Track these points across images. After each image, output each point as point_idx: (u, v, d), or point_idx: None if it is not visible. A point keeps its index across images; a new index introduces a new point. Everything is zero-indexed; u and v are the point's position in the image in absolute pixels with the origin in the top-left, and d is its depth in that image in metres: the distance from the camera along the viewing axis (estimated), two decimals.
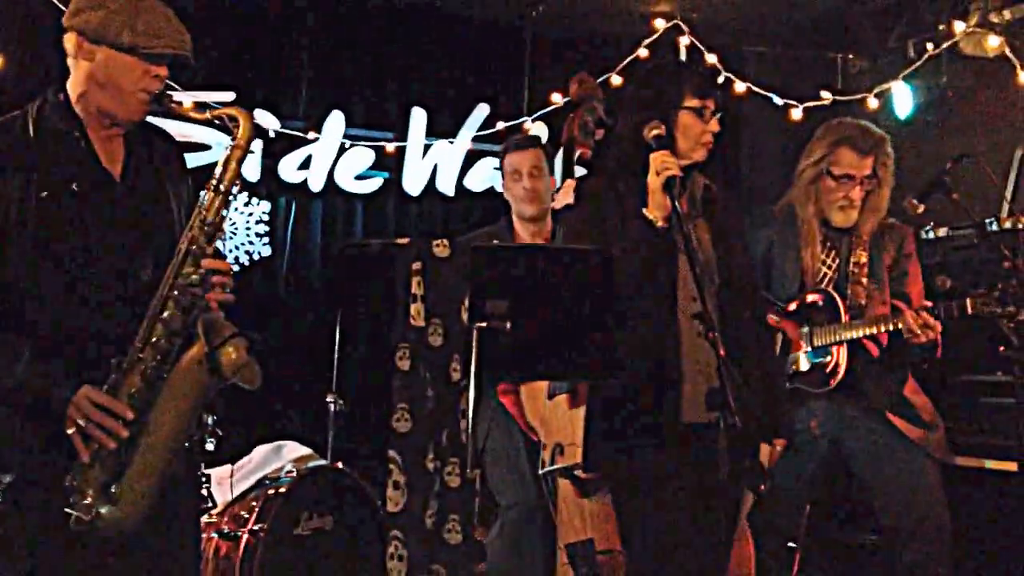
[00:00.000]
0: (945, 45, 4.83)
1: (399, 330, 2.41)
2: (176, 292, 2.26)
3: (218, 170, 2.33)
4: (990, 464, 3.53)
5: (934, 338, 3.25)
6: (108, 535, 2.19)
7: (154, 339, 2.24)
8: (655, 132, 2.81)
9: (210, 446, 3.37)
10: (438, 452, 2.40)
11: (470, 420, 2.47)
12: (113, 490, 2.18)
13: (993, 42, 4.57)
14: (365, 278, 2.53)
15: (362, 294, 2.55)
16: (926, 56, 4.92)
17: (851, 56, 5.84)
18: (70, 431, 2.15)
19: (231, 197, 2.33)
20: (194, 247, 2.28)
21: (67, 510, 2.16)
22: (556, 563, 3.71)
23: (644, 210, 2.77)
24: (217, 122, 2.42)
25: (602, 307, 2.60)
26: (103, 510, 2.17)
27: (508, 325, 2.53)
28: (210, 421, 3.18)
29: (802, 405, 3.42)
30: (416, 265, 2.38)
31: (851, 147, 3.41)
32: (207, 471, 3.55)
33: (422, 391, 2.40)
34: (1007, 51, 4.54)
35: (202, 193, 2.33)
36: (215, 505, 3.71)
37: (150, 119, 2.41)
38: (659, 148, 2.79)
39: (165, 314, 2.25)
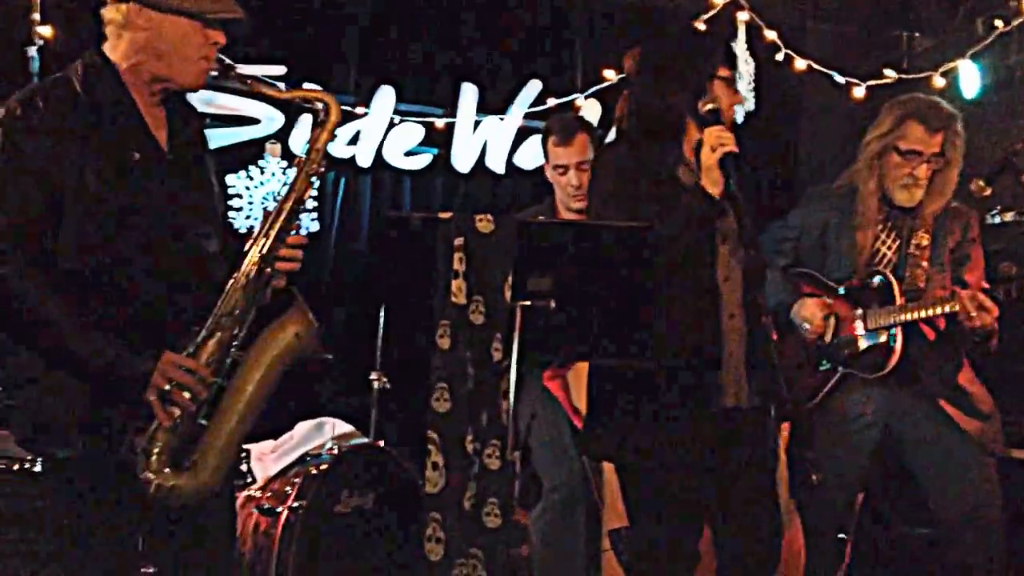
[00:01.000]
0: (1016, 22, 4.65)
1: (440, 307, 2.33)
2: (259, 265, 2.29)
3: (307, 150, 2.41)
4: None
5: (991, 323, 3.11)
6: (182, 503, 2.21)
7: (234, 309, 2.26)
8: (710, 106, 2.74)
9: None
10: (478, 433, 2.33)
11: (511, 401, 2.42)
12: (191, 460, 2.21)
13: None
14: (406, 253, 2.46)
15: (403, 269, 2.48)
16: (995, 33, 4.75)
17: (916, 34, 5.65)
18: (151, 397, 2.16)
19: (316, 177, 2.40)
20: (283, 223, 2.32)
21: (146, 474, 2.17)
22: (599, 547, 3.68)
23: (702, 184, 2.67)
24: (305, 104, 2.64)
25: (647, 286, 2.53)
26: (179, 480, 2.18)
27: (552, 303, 2.47)
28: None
29: (855, 390, 3.32)
30: (458, 240, 2.31)
31: (920, 122, 3.27)
32: (246, 446, 3.55)
33: (462, 370, 2.33)
34: None
35: (297, 173, 2.39)
36: (254, 480, 3.72)
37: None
38: (714, 123, 2.71)
39: (246, 285, 2.27)
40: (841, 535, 3.49)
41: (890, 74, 5.01)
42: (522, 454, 3.55)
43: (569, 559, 3.55)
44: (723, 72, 2.76)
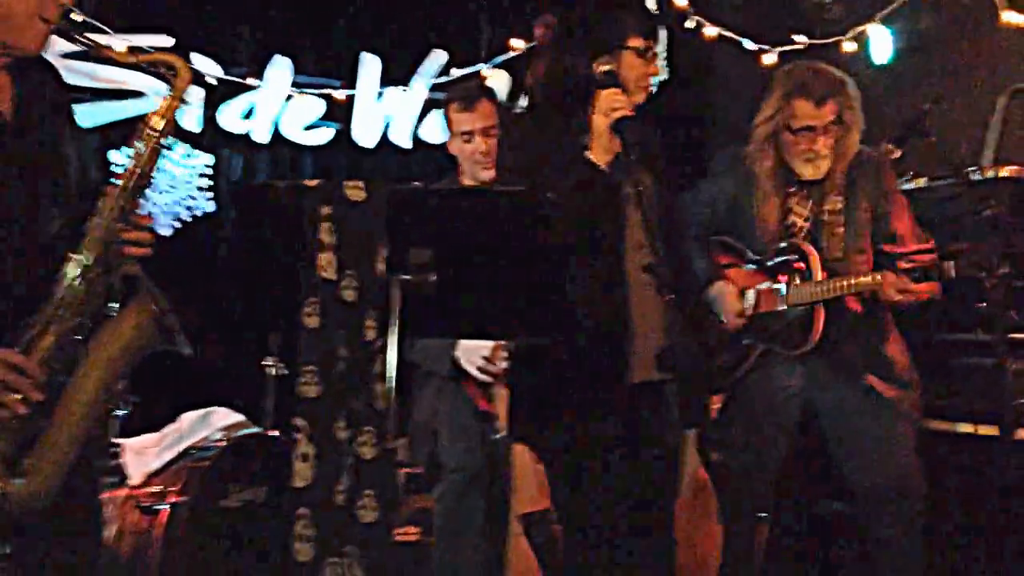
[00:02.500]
0: None
1: (306, 283, 2.13)
2: (99, 248, 2.08)
3: (153, 120, 2.17)
4: (967, 428, 3.30)
5: (914, 298, 2.99)
6: (18, 511, 2.01)
7: (72, 298, 2.06)
8: (605, 68, 2.63)
9: (122, 412, 3.11)
10: (351, 420, 2.13)
11: (391, 384, 2.24)
12: (26, 464, 2.00)
13: None
14: (269, 224, 2.25)
15: (265, 243, 2.28)
16: None
17: (827, 0, 5.55)
18: None
19: (164, 151, 2.17)
20: (123, 201, 2.10)
21: None
22: (506, 532, 3.54)
23: (587, 152, 2.55)
24: (151, 68, 2.27)
25: (540, 256, 2.35)
26: (12, 486, 1.99)
27: (433, 278, 2.28)
28: (120, 386, 2.90)
29: (777, 364, 3.20)
30: (326, 209, 2.11)
31: (806, 97, 3.11)
32: (120, 440, 3.33)
33: (333, 351, 2.13)
34: None
35: (137, 143, 2.15)
36: (124, 478, 3.49)
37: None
38: (609, 86, 2.58)
39: (84, 272, 2.07)
40: (760, 515, 3.37)
41: (800, 39, 4.90)
42: (410, 440, 3.40)
43: (468, 541, 3.39)
44: (633, 42, 2.66)
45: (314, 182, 2.20)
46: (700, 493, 3.33)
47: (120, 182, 2.10)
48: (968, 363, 3.47)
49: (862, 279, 3.05)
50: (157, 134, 2.14)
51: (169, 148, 2.18)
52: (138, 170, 2.12)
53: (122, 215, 2.09)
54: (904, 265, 3.01)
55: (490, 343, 3.23)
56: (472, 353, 3.26)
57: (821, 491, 3.64)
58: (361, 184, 2.17)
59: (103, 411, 2.12)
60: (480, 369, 3.25)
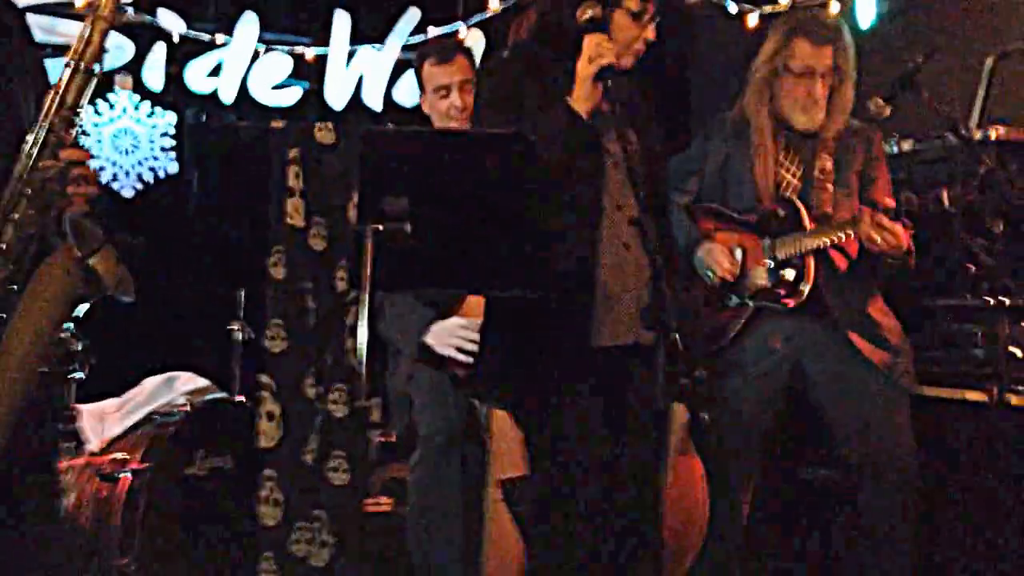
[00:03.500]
0: None
1: (272, 231, 1.99)
2: (29, 188, 1.96)
3: (77, 44, 2.01)
4: (959, 394, 3.21)
5: (895, 243, 2.93)
6: None
7: (3, 244, 1.95)
8: (590, 13, 2.51)
9: (79, 375, 2.97)
10: (320, 376, 2.00)
11: (362, 339, 2.12)
12: None
13: None
14: (232, 169, 2.11)
15: (228, 187, 2.14)
16: None
17: None
18: None
19: (93, 76, 2.02)
20: (51, 136, 1.97)
21: None
22: (485, 497, 3.44)
23: (568, 99, 2.44)
24: None
25: (521, 205, 2.23)
26: None
27: (408, 226, 2.15)
28: (79, 347, 2.77)
29: (765, 325, 3.14)
30: (293, 152, 1.96)
31: (806, 37, 3.09)
32: (79, 406, 3.20)
33: (301, 304, 2.01)
34: None
35: (63, 71, 2.01)
36: (81, 444, 3.36)
37: None
38: (594, 31, 2.47)
39: (16, 214, 1.96)
40: (747, 477, 3.30)
41: (784, 1, 4.79)
42: (384, 403, 3.29)
43: (445, 509, 3.29)
44: (631, 3, 2.57)
45: (280, 123, 2.06)
46: (686, 457, 3.25)
47: (44, 113, 1.96)
48: (960, 328, 3.39)
49: (842, 227, 3.01)
50: (78, 58, 1.99)
51: (96, 75, 2.01)
52: (67, 99, 1.97)
53: (50, 150, 1.95)
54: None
55: (462, 319, 3.13)
56: (445, 336, 3.14)
57: (810, 457, 3.56)
58: (331, 126, 2.03)
59: (39, 370, 1.98)
60: (458, 350, 3.14)
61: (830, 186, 3.12)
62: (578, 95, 2.47)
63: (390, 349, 3.48)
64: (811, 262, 3.06)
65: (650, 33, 2.62)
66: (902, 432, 3.04)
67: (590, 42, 2.48)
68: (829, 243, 3.04)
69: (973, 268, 3.38)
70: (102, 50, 2.03)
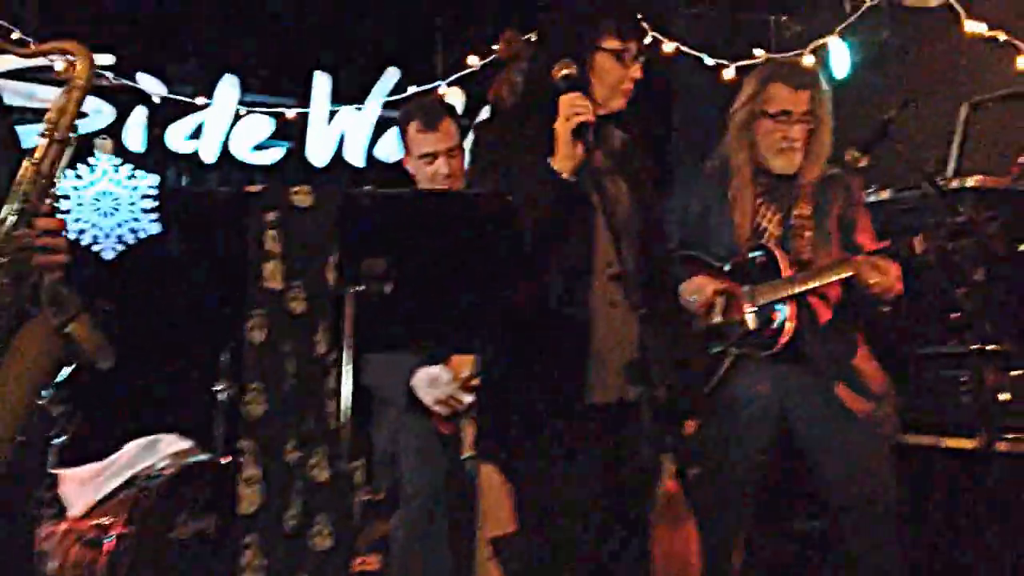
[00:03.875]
0: None
1: (251, 295, 1.98)
2: (5, 257, 1.97)
3: (52, 115, 2.06)
4: (946, 442, 3.22)
5: (890, 284, 2.94)
6: None
7: None
8: (565, 71, 2.50)
9: (61, 440, 2.94)
10: (301, 440, 1.98)
11: (345, 401, 2.10)
12: None
13: None
14: (211, 234, 2.12)
15: (208, 254, 2.14)
16: (863, 8, 4.61)
17: (784, 17, 5.53)
18: None
19: (68, 145, 2.06)
20: (26, 204, 1.99)
21: None
22: (475, 555, 3.40)
23: (549, 160, 2.43)
24: (49, 60, 2.16)
25: (502, 265, 2.22)
26: None
27: (388, 287, 2.15)
28: (60, 412, 2.74)
29: (749, 372, 3.15)
30: (271, 216, 1.96)
31: (783, 82, 3.15)
32: (58, 471, 3.16)
33: (280, 367, 1.98)
34: None
35: (39, 140, 2.05)
36: (63, 509, 3.31)
37: None
38: (569, 90, 2.46)
39: None
40: (738, 530, 3.28)
41: (759, 54, 4.85)
42: (367, 464, 3.26)
43: (432, 567, 3.26)
44: (608, 43, 2.54)
45: (257, 187, 2.06)
46: (676, 510, 3.22)
47: (20, 184, 1.98)
48: (945, 375, 3.40)
49: (834, 269, 3.03)
50: (53, 127, 2.02)
51: (72, 144, 2.05)
52: (42, 168, 1.99)
53: (23, 219, 1.96)
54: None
55: (447, 373, 3.11)
56: (428, 384, 3.14)
57: (799, 508, 3.54)
58: (308, 189, 2.02)
59: (15, 437, 1.96)
60: (439, 402, 3.13)
61: (808, 233, 3.14)
62: (559, 156, 2.44)
63: (375, 407, 3.46)
64: (792, 308, 3.06)
65: (637, 72, 2.58)
66: (885, 480, 3.04)
67: (564, 102, 2.46)
68: (814, 287, 3.04)
69: (956, 316, 3.41)
70: (77, 117, 2.07)
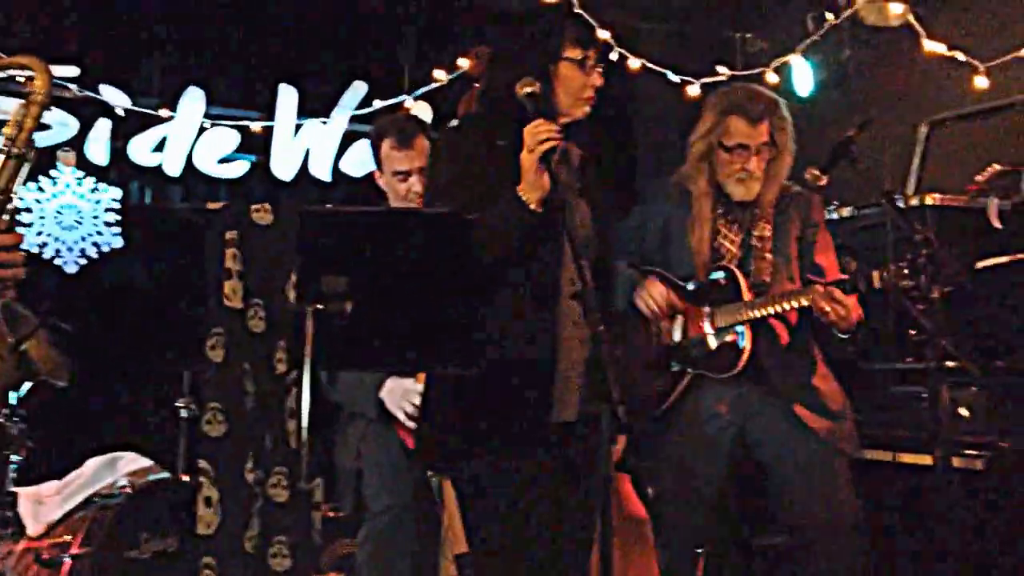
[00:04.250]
0: (845, 15, 4.56)
1: (210, 313, 1.97)
2: None
3: (9, 129, 2.00)
4: (904, 458, 3.24)
5: (846, 315, 2.97)
6: None
7: None
8: (528, 89, 2.47)
9: (17, 458, 2.90)
10: (260, 460, 1.97)
11: (304, 421, 2.09)
12: None
13: (896, 9, 4.31)
14: (171, 251, 2.10)
15: (168, 271, 2.12)
16: (825, 27, 4.65)
17: (748, 35, 5.58)
18: None
19: (26, 160, 2.01)
20: None
21: None
22: (440, 572, 3.39)
23: (518, 190, 2.43)
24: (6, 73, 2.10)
25: (465, 284, 2.22)
26: None
27: (348, 306, 2.14)
28: (16, 430, 2.71)
29: (708, 392, 3.15)
30: (231, 234, 1.95)
31: (741, 115, 3.13)
32: (18, 489, 3.12)
33: (240, 387, 1.97)
34: (910, 18, 4.28)
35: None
36: (21, 530, 3.27)
37: None
38: (533, 109, 2.45)
39: None
40: (697, 549, 3.28)
41: (723, 71, 4.88)
42: (326, 482, 3.24)
43: None
44: (570, 52, 2.53)
45: (217, 205, 2.05)
46: (635, 529, 3.23)
47: None
48: (903, 392, 3.43)
49: (792, 296, 3.04)
50: (10, 143, 1.99)
51: (29, 160, 2.01)
52: None
53: None
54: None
55: (417, 385, 3.10)
56: (398, 395, 3.12)
57: (761, 524, 3.56)
58: (268, 207, 2.01)
59: None
60: (409, 415, 3.12)
61: (768, 255, 3.15)
62: (526, 185, 2.41)
63: (339, 423, 3.44)
64: (748, 332, 3.08)
65: (598, 79, 2.58)
66: (845, 496, 3.05)
67: (530, 132, 2.41)
68: (772, 313, 3.06)
69: (914, 333, 3.45)
70: (36, 131, 2.02)
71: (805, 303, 3.01)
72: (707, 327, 3.15)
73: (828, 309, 2.96)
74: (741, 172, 3.14)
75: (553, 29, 2.57)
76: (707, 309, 3.16)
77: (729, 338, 3.11)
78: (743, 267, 3.15)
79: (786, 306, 3.03)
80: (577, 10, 4.80)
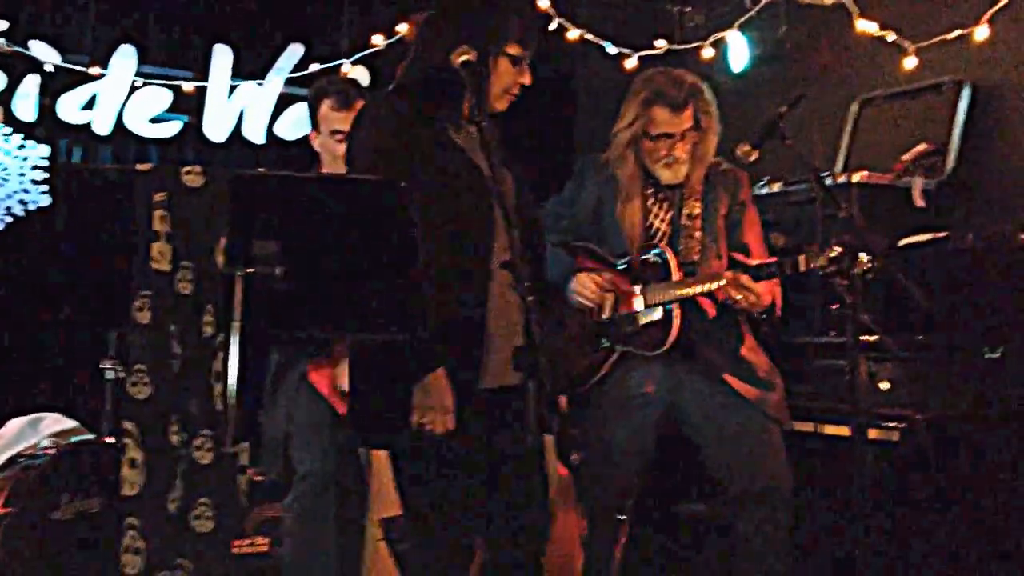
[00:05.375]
0: None
1: (137, 275, 1.96)
2: None
3: None
4: (825, 429, 3.32)
5: (755, 301, 3.03)
6: None
7: None
8: (464, 57, 2.49)
9: None
10: (185, 423, 1.96)
11: (231, 384, 2.09)
12: None
13: None
14: (95, 211, 2.07)
15: (92, 231, 2.10)
16: (762, 3, 4.71)
17: (687, 8, 5.60)
18: None
19: None
20: None
21: None
22: (366, 535, 3.42)
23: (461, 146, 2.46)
24: None
25: (396, 248, 2.23)
26: None
27: (278, 270, 2.14)
28: None
29: (636, 368, 3.19)
30: (159, 196, 1.94)
31: (664, 104, 3.14)
32: None
33: (166, 349, 1.96)
34: None
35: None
36: None
37: None
38: (468, 78, 2.47)
39: None
40: (619, 516, 3.34)
41: (661, 44, 4.91)
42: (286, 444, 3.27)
43: (321, 547, 3.27)
44: (512, 49, 2.56)
45: (147, 166, 2.02)
46: (562, 493, 3.29)
47: None
48: (824, 365, 3.51)
49: (709, 279, 3.09)
50: None
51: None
52: None
53: None
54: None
55: None
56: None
57: (683, 492, 3.63)
58: (199, 169, 2.00)
59: None
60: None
61: (698, 233, 3.19)
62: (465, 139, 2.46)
63: (268, 386, 3.44)
64: (677, 310, 3.12)
65: (527, 79, 2.63)
66: (780, 463, 3.11)
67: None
68: (695, 294, 3.11)
69: (835, 307, 3.53)
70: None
71: (716, 285, 3.06)
72: (637, 304, 3.19)
73: (739, 297, 3.02)
74: (667, 157, 3.18)
75: (501, 22, 2.57)
76: (638, 287, 3.19)
77: (658, 316, 3.15)
78: (673, 245, 3.19)
79: (706, 287, 3.08)
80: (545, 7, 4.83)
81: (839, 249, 2.85)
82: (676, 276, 3.14)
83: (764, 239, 3.36)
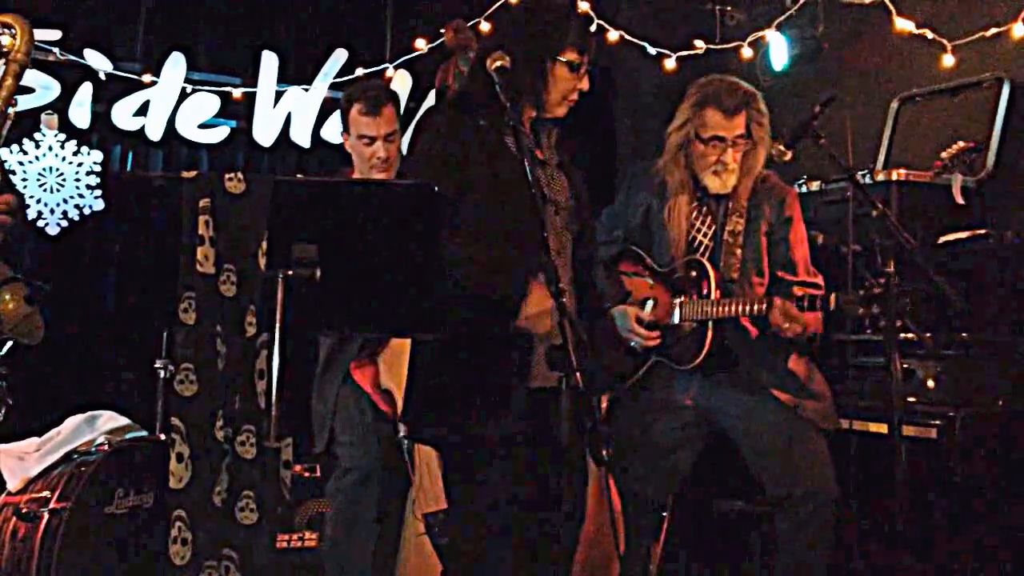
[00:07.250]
0: None
1: (183, 278, 2.05)
2: None
3: None
4: (866, 427, 3.33)
5: (799, 332, 3.02)
6: None
7: None
8: (498, 63, 2.56)
9: None
10: (229, 419, 2.05)
11: (273, 380, 2.17)
12: None
13: None
14: (144, 216, 2.17)
15: (141, 236, 2.19)
16: (800, 2, 4.71)
17: (728, 8, 5.61)
18: None
19: (7, 118, 2.09)
20: None
21: None
22: (406, 530, 3.48)
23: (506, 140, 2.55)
24: None
25: (430, 251, 2.30)
26: None
27: (317, 272, 2.22)
28: None
29: (672, 376, 3.22)
30: (204, 202, 2.03)
31: (717, 107, 3.15)
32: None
33: (211, 349, 2.05)
34: None
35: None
36: (0, 485, 3.34)
37: None
38: (502, 83, 2.53)
39: None
40: (662, 512, 3.38)
41: (700, 44, 4.94)
42: (295, 441, 3.33)
43: (360, 541, 3.33)
44: (568, 55, 2.62)
45: (192, 174, 2.12)
46: (601, 491, 3.32)
47: None
48: (862, 363, 3.52)
49: (749, 303, 3.08)
50: None
51: (10, 116, 2.06)
52: None
53: None
54: (797, 292, 3.06)
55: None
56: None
57: (723, 489, 3.65)
58: (241, 176, 2.09)
59: None
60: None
61: (739, 250, 3.19)
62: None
63: (317, 376, 3.51)
64: (711, 330, 3.13)
65: (585, 84, 2.67)
66: (822, 470, 3.10)
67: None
68: (734, 314, 3.09)
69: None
70: (18, 92, 2.09)
71: (761, 310, 3.04)
72: (674, 317, 3.21)
73: (785, 326, 3.01)
74: (717, 164, 3.17)
75: (557, 29, 2.63)
76: (676, 300, 3.21)
77: (691, 331, 3.17)
78: (714, 261, 3.19)
79: (745, 309, 3.07)
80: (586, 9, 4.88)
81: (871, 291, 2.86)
82: (714, 294, 3.15)
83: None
